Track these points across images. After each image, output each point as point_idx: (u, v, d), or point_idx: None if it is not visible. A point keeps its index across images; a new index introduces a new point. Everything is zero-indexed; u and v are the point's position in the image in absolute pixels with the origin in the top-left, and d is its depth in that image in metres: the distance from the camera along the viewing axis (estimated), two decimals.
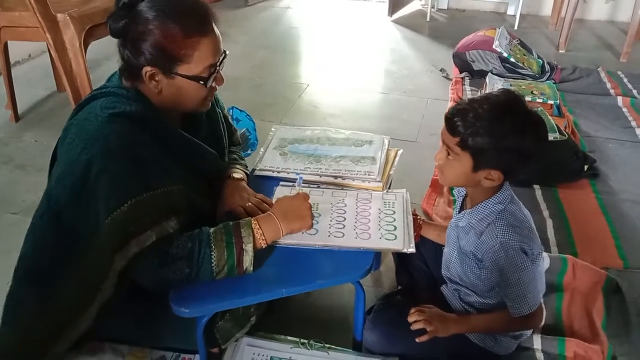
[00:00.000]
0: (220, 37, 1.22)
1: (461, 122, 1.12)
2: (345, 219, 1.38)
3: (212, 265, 1.15)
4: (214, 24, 1.20)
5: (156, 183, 1.16)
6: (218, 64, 1.24)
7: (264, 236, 1.22)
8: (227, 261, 1.16)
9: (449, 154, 1.18)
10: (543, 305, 1.30)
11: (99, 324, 1.30)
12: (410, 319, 1.27)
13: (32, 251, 1.21)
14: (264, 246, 1.22)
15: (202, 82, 1.21)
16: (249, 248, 1.18)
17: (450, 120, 1.15)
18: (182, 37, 1.15)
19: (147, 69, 1.17)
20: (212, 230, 1.19)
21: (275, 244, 1.28)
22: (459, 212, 1.33)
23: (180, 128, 1.29)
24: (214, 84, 1.26)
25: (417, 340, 1.26)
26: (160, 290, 1.19)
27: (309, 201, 1.32)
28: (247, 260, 1.18)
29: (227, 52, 1.27)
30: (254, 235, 1.20)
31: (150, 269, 1.15)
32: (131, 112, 1.16)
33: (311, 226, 1.30)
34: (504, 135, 1.10)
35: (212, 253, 1.15)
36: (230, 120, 1.58)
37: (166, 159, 1.21)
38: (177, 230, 1.18)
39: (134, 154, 1.14)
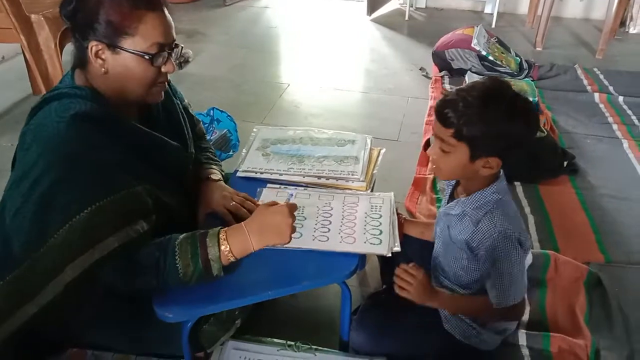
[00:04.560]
0: (171, 22, 1.19)
1: (452, 112, 1.12)
2: (330, 222, 1.36)
3: (180, 275, 1.11)
4: (164, 7, 1.17)
5: (117, 186, 1.12)
6: (168, 49, 1.19)
7: (232, 252, 1.13)
8: (194, 272, 1.12)
9: (442, 148, 1.17)
10: (526, 299, 1.31)
11: (78, 332, 1.28)
12: (398, 272, 1.26)
13: None
14: (232, 260, 1.14)
15: (147, 58, 1.15)
16: (215, 258, 1.12)
17: (441, 112, 1.14)
18: (127, 8, 1.11)
19: (92, 44, 1.13)
20: (179, 240, 1.14)
21: None
22: (448, 201, 1.32)
23: (138, 123, 1.25)
24: (163, 69, 1.21)
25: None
26: (134, 295, 1.17)
27: (295, 208, 1.22)
28: (216, 269, 1.13)
29: (183, 46, 1.24)
30: (220, 249, 1.13)
31: (119, 278, 1.13)
32: (87, 112, 1.12)
33: (288, 242, 1.17)
34: (497, 120, 1.10)
35: (178, 265, 1.11)
36: (191, 111, 1.54)
37: (127, 159, 1.17)
38: (147, 232, 1.15)
39: (93, 159, 1.10)
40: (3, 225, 1.13)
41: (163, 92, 1.28)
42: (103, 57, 1.15)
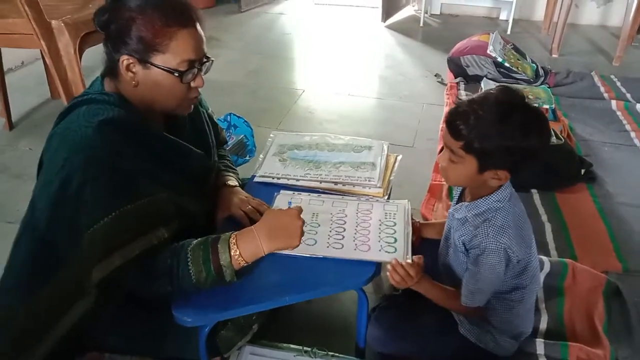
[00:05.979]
0: (203, 37, 1.20)
1: (463, 125, 1.12)
2: (345, 229, 1.36)
3: (193, 281, 1.13)
4: (197, 23, 1.18)
5: (141, 193, 1.13)
6: (198, 64, 1.20)
7: (242, 257, 1.14)
8: (207, 278, 1.13)
9: (451, 158, 1.17)
10: (543, 309, 1.29)
11: (96, 335, 1.29)
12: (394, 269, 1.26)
13: (14, 262, 1.19)
14: (243, 264, 1.15)
15: (177, 75, 1.17)
16: (227, 264, 1.13)
17: (452, 123, 1.14)
18: (159, 25, 1.13)
19: (124, 58, 1.15)
20: (191, 246, 1.15)
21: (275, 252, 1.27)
22: (457, 202, 1.33)
23: (164, 130, 1.27)
24: (192, 84, 1.22)
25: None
26: (152, 299, 1.18)
27: (305, 214, 1.24)
28: (229, 274, 1.14)
29: (213, 60, 1.25)
30: (230, 255, 1.14)
31: (137, 282, 1.14)
32: (114, 118, 1.14)
33: (298, 245, 1.19)
34: (509, 135, 1.09)
35: (191, 271, 1.12)
36: (215, 119, 1.56)
37: (152, 166, 1.19)
38: (167, 239, 1.16)
39: (118, 165, 1.11)
40: (39, 229, 1.14)
41: (192, 105, 1.30)
42: (134, 70, 1.16)
